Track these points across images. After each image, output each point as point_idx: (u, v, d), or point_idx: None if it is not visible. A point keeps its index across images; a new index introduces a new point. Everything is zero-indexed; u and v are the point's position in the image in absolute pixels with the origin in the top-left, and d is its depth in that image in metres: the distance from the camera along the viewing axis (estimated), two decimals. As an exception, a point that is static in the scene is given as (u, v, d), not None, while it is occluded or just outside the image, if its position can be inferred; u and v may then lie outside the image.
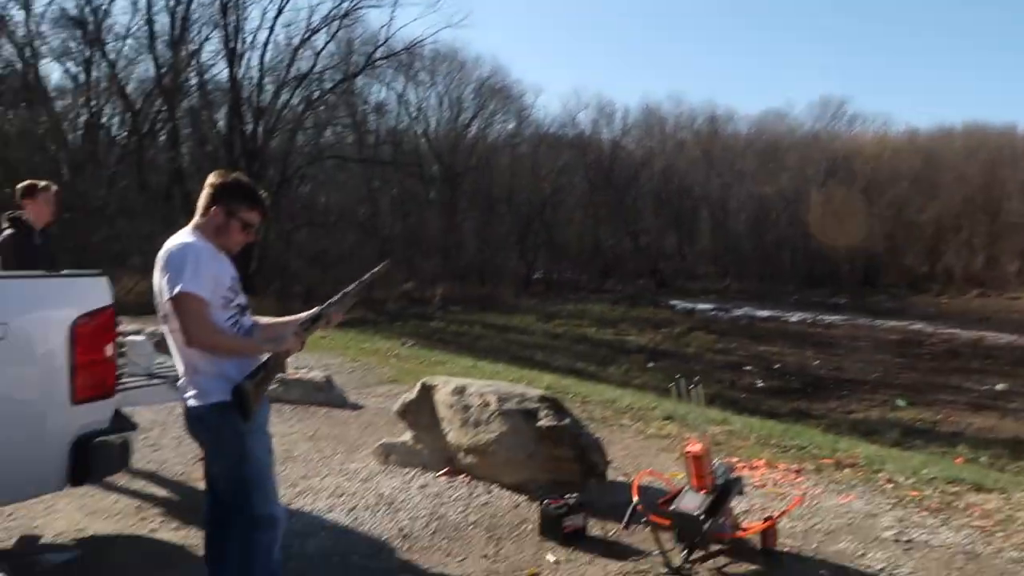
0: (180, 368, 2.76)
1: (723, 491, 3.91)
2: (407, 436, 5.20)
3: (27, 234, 4.87)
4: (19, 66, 23.31)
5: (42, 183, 5.02)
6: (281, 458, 5.28)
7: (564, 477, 4.73)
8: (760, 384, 15.65)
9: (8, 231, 4.90)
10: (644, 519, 3.81)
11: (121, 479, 4.76)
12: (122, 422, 3.38)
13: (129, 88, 25.45)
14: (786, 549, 3.98)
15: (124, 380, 3.65)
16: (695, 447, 3.90)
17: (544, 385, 8.46)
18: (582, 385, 9.19)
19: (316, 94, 27.52)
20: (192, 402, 2.70)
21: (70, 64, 24.96)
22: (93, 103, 25.04)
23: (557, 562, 3.80)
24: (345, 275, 24.79)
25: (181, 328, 2.57)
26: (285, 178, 26.37)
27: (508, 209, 34.60)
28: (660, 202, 40.65)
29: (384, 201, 32.83)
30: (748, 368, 17.20)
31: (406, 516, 4.29)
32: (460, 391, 4.97)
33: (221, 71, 26.40)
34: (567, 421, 4.76)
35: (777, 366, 17.39)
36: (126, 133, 26.30)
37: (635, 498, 4.00)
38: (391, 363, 9.73)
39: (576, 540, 4.00)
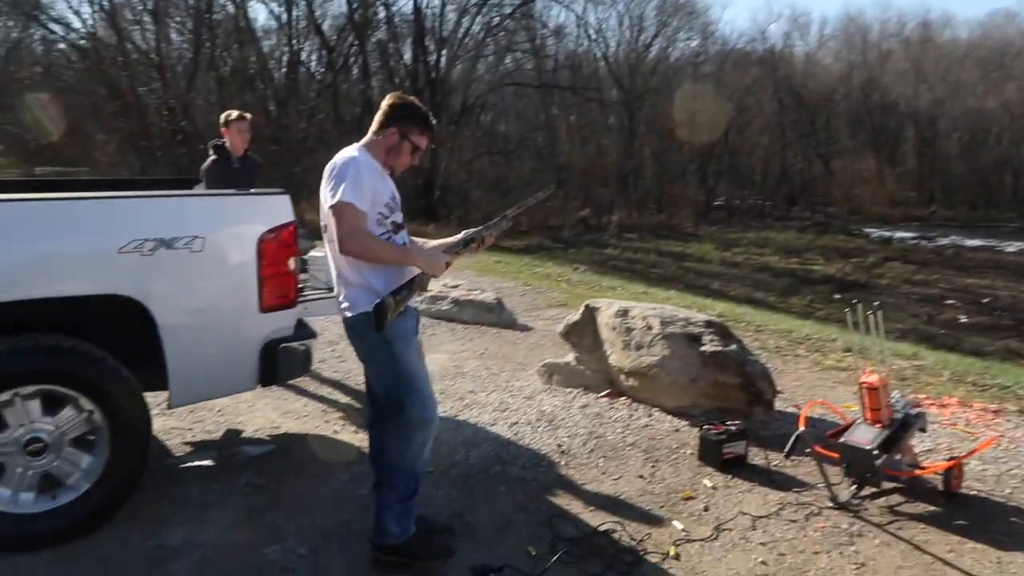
0: (333, 279, 2.93)
1: (901, 426, 3.66)
2: (570, 357, 5.26)
3: (226, 159, 5.35)
4: (231, 9, 25.20)
5: (235, 114, 5.47)
6: (452, 373, 5.56)
7: (728, 404, 4.61)
8: (964, 319, 14.26)
9: (212, 158, 5.41)
10: (808, 450, 3.63)
11: (310, 386, 5.23)
12: (304, 330, 3.66)
13: (325, 25, 26.81)
14: (973, 493, 3.67)
15: (306, 292, 3.95)
16: (871, 377, 3.64)
17: (716, 312, 8.22)
18: (758, 314, 8.83)
19: (496, 20, 27.58)
20: (344, 312, 2.86)
21: (273, 5, 26.62)
22: (294, 42, 26.66)
23: (714, 488, 3.74)
24: (521, 201, 25.29)
25: (336, 235, 2.70)
26: (466, 107, 26.90)
27: (689, 133, 33.28)
28: (857, 121, 37.32)
29: (562, 128, 32.66)
30: (950, 302, 15.70)
31: (565, 433, 4.38)
32: (623, 313, 4.94)
33: (406, 3, 27.09)
34: (733, 347, 4.60)
35: (986, 300, 15.72)
36: (323, 69, 27.82)
37: (802, 427, 3.82)
38: (561, 287, 9.83)
39: (735, 467, 3.91)
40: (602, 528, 3.28)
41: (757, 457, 4.02)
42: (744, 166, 34.65)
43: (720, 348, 4.55)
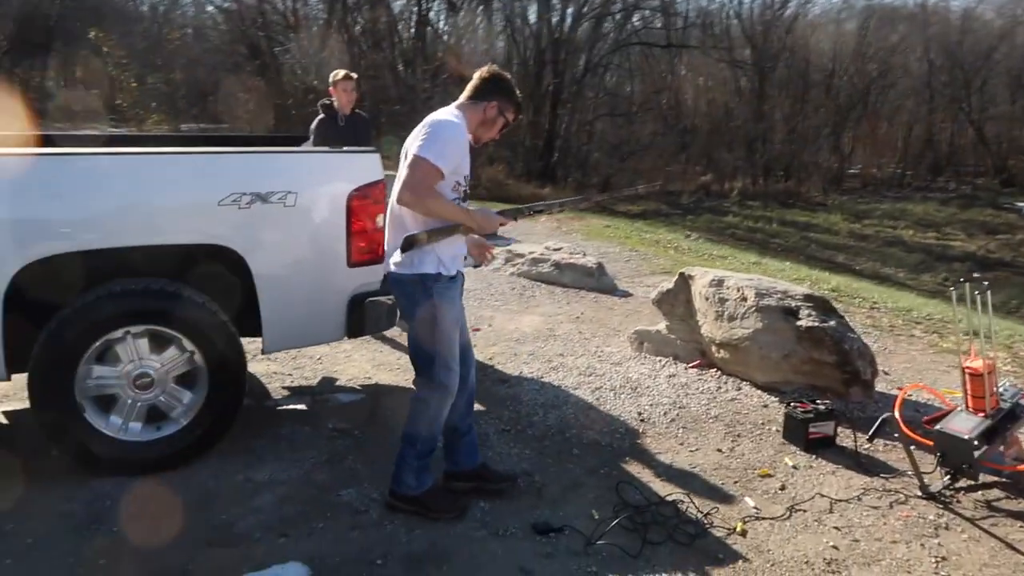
0: (388, 236, 3.02)
1: (1007, 417, 3.41)
2: (662, 325, 5.19)
3: (333, 118, 5.55)
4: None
5: (342, 73, 5.64)
6: (544, 336, 5.62)
7: (823, 383, 4.44)
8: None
9: (320, 116, 5.63)
10: (896, 435, 3.45)
11: (472, 337, 5.40)
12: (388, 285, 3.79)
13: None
14: (1084, 494, 3.39)
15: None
16: (975, 363, 3.41)
17: (830, 287, 7.88)
18: (878, 290, 8.37)
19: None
20: (392, 268, 2.93)
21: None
22: (422, 2, 27.01)
23: (795, 467, 3.62)
24: (643, 166, 24.79)
25: (403, 184, 2.76)
26: (589, 67, 26.52)
27: (825, 96, 31.46)
28: (1019, 84, 34.14)
29: (689, 89, 31.66)
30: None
31: (648, 401, 4.35)
32: (718, 283, 4.81)
33: (533, -39, 26.78)
34: (831, 323, 4.40)
35: None
36: (448, 29, 28.11)
37: (895, 412, 3.63)
38: (669, 255, 9.65)
39: (821, 448, 3.78)
40: (669, 498, 3.26)
41: (848, 440, 3.86)
42: (884, 132, 32.50)
43: (817, 323, 4.36)
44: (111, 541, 2.79)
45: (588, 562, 2.80)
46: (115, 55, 24.63)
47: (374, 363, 4.89)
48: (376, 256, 3.60)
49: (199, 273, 3.32)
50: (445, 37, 28.17)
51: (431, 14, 28.29)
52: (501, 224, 3.02)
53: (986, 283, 3.40)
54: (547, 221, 12.27)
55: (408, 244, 2.78)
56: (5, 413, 3.87)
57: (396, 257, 2.91)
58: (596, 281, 7.24)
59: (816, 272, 9.53)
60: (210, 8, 28.60)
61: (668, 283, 5.18)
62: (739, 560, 2.86)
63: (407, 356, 5.04)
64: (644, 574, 2.75)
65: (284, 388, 4.39)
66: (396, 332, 5.57)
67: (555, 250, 7.74)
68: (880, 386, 4.67)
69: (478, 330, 5.75)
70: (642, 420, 4.11)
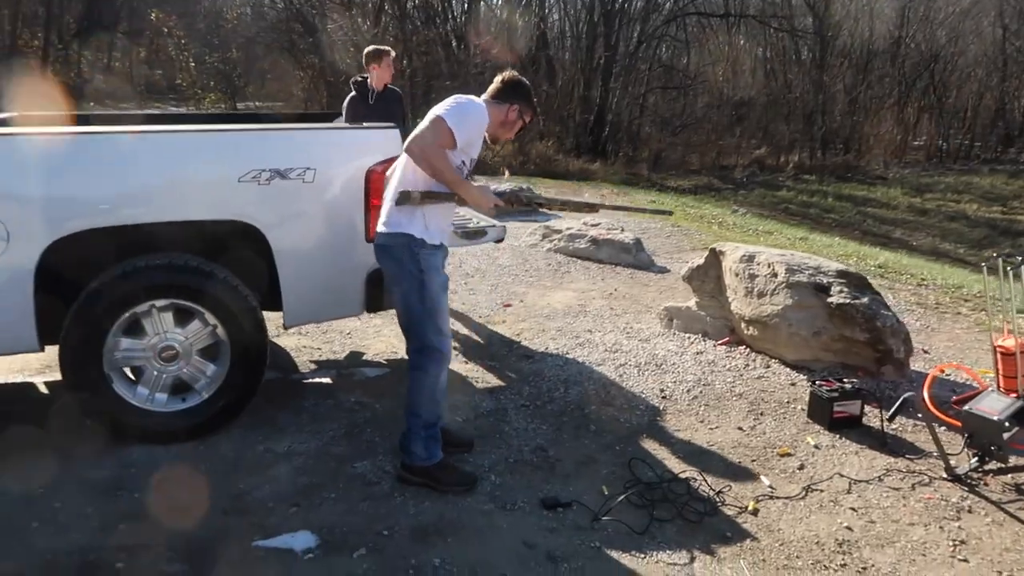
0: (384, 207, 3.07)
1: (1041, 399, 3.28)
2: (691, 302, 5.12)
3: (364, 95, 5.57)
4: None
5: (377, 49, 5.65)
6: (574, 312, 5.60)
7: (854, 361, 4.33)
8: None
9: (351, 94, 5.66)
10: (920, 415, 3.35)
11: (502, 313, 5.48)
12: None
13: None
14: (1122, 480, 3.25)
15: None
16: (1008, 341, 3.28)
17: (878, 263, 7.67)
18: (928, 266, 8.09)
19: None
20: (381, 229, 2.99)
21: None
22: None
23: (816, 447, 3.55)
24: (695, 139, 24.30)
25: (416, 136, 2.84)
26: (643, 39, 26.02)
27: (890, 66, 30.25)
28: (1103, 51, 32.24)
29: (747, 60, 30.80)
30: None
31: (671, 379, 4.31)
32: (749, 259, 4.72)
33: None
34: (864, 300, 4.28)
35: None
36: (501, 3, 27.89)
37: (924, 391, 3.53)
38: (713, 230, 9.48)
39: (846, 428, 3.69)
40: (682, 476, 3.24)
41: (875, 420, 3.76)
42: (952, 101, 31.13)
43: (848, 300, 4.24)
44: (133, 507, 2.91)
45: (593, 537, 2.80)
46: (176, 35, 25.24)
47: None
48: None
49: (221, 249, 3.40)
50: (497, 12, 27.96)
51: (485, -9, 28.18)
52: (497, 205, 3.03)
53: (1020, 258, 3.25)
54: (590, 196, 12.17)
55: (402, 198, 2.86)
56: (46, 384, 4.05)
57: (382, 219, 2.99)
58: (633, 257, 7.17)
59: (865, 248, 9.27)
60: (267, -13, 28.93)
61: (699, 259, 5.10)
62: (747, 539, 2.83)
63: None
64: (649, 551, 2.74)
65: (312, 362, 4.48)
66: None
67: (592, 226, 7.68)
68: (918, 365, 4.54)
69: (509, 305, 5.76)
70: (664, 397, 4.08)
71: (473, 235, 4.03)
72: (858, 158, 25.03)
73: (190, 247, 3.34)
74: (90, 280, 3.19)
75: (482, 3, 28.09)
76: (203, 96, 23.70)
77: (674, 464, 3.36)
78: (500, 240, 4.26)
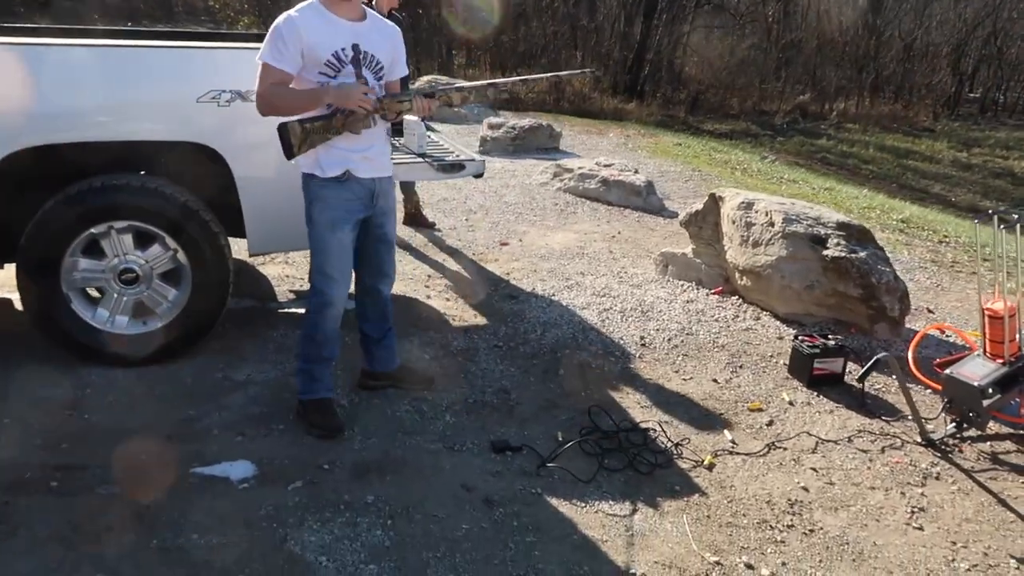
0: None
1: (1027, 366, 3.10)
2: (688, 248, 4.95)
3: None
4: None
5: None
6: (572, 254, 5.46)
7: (847, 317, 4.16)
8: None
9: None
10: (894, 376, 3.19)
11: (429, 250, 5.38)
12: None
13: None
14: (1108, 454, 3.08)
15: (394, 155, 3.95)
16: (996, 304, 3.08)
17: (901, 216, 7.36)
18: (956, 223, 7.73)
19: None
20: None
21: None
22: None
23: (791, 403, 3.43)
24: (738, 83, 23.49)
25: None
26: (688, -25, 25.00)
27: (952, 10, 28.76)
28: None
29: (800, 1, 29.52)
30: None
31: (654, 326, 4.18)
32: (747, 206, 4.51)
33: None
34: (862, 254, 4.07)
35: None
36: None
37: (909, 352, 3.37)
38: (734, 176, 9.17)
39: (826, 386, 3.55)
40: (643, 425, 3.14)
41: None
42: (1015, 52, 29.57)
43: (844, 253, 4.04)
44: (80, 427, 2.91)
45: (535, 483, 2.73)
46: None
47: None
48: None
49: (181, 171, 3.32)
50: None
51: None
52: (364, 96, 2.63)
53: (1016, 216, 3.02)
54: (615, 136, 11.86)
55: (281, 136, 2.63)
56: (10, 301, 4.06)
57: None
58: (643, 200, 6.96)
59: (894, 201, 8.91)
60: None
61: (698, 204, 4.90)
62: (696, 494, 2.74)
63: (424, 266, 5.06)
64: (591, 500, 2.67)
65: (292, 291, 4.43)
66: (422, 241, 5.56)
67: (605, 166, 7.45)
68: (919, 324, 4.34)
69: (506, 244, 5.64)
70: (642, 345, 3.96)
71: (450, 169, 3.88)
72: (907, 108, 24.03)
73: (150, 169, 3.27)
74: (47, 198, 3.14)
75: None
76: (236, 18, 23.44)
77: (637, 413, 3.26)
78: (479, 175, 4.10)
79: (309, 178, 2.78)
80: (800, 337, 3.69)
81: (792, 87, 24.33)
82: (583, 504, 2.64)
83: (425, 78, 14.07)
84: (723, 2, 27.33)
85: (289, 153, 2.66)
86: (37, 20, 23.45)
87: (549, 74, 3.21)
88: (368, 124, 2.72)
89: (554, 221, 6.39)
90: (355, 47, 2.69)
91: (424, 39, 21.39)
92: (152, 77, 3.18)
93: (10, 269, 3.33)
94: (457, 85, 2.89)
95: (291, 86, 2.67)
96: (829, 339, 3.64)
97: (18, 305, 3.99)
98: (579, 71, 3.33)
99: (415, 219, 5.88)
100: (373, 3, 5.43)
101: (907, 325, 4.26)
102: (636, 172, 7.43)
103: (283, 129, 2.62)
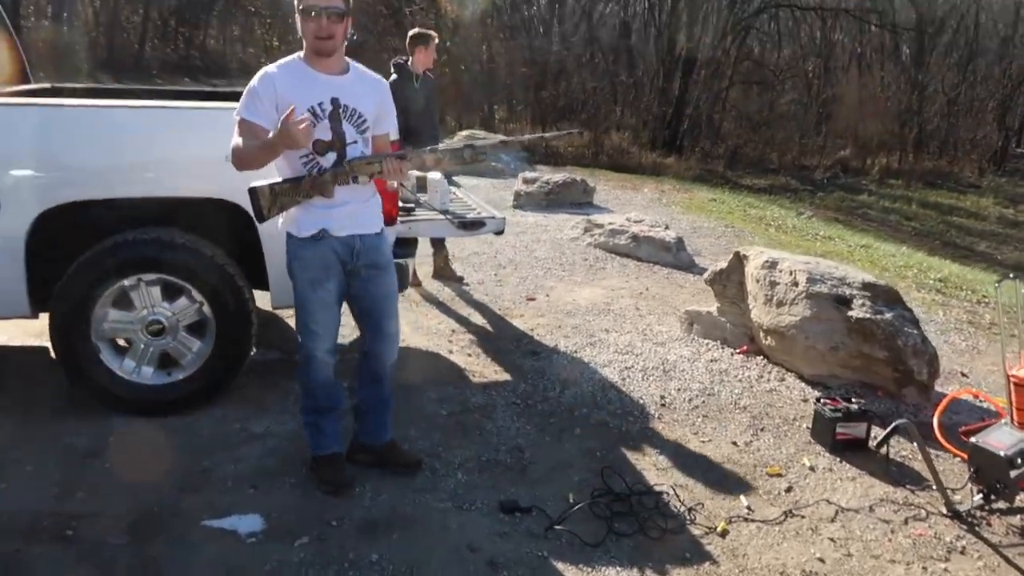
0: None
1: (1059, 437, 2.99)
2: (713, 307, 4.91)
3: (406, 78, 5.51)
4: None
5: (422, 32, 5.58)
6: (597, 310, 5.47)
7: (873, 380, 4.07)
8: None
9: (393, 76, 5.62)
10: (915, 443, 3.10)
11: (455, 304, 5.43)
12: (404, 249, 3.77)
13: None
14: None
15: (416, 212, 4.05)
16: (1022, 371, 3.00)
17: (939, 276, 7.23)
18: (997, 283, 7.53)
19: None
20: None
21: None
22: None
23: (811, 469, 3.34)
24: (778, 137, 23.47)
25: None
26: (728, 31, 25.26)
27: (997, 65, 28.49)
28: None
29: (841, 56, 29.55)
30: None
31: (676, 385, 4.14)
32: (771, 265, 4.48)
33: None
34: (887, 315, 4.00)
35: None
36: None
37: (935, 418, 3.28)
38: (768, 233, 9.11)
39: (849, 451, 3.46)
40: (656, 488, 3.10)
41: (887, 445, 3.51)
42: (1064, 108, 29.09)
43: (869, 315, 3.98)
44: (98, 475, 2.97)
45: (542, 546, 2.70)
46: (262, 15, 25.93)
47: (414, 325, 4.92)
48: (388, 218, 3.55)
49: (209, 226, 3.43)
50: (581, 1, 27.58)
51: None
52: (300, 128, 2.47)
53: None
54: (649, 192, 11.91)
55: (252, 198, 2.66)
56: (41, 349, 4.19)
57: None
58: (673, 256, 6.95)
59: (933, 259, 8.75)
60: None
61: (723, 262, 4.88)
62: (706, 562, 2.68)
63: (450, 320, 5.10)
64: (597, 565, 2.62)
65: (316, 344, 4.49)
66: (450, 295, 5.61)
67: (635, 222, 7.48)
68: (952, 388, 4.23)
69: (533, 299, 5.67)
70: (662, 404, 3.92)
71: (470, 226, 3.94)
72: (952, 163, 23.73)
73: (179, 223, 3.38)
74: (82, 250, 3.27)
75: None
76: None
77: (652, 476, 3.22)
78: (500, 232, 4.16)
79: (288, 236, 2.80)
80: (822, 400, 3.62)
81: (833, 142, 24.23)
82: (589, 569, 2.60)
83: (463, 133, 14.35)
84: (762, 58, 27.57)
85: (259, 216, 2.68)
86: (99, 76, 24.64)
87: (533, 135, 3.21)
88: (343, 183, 2.68)
89: (582, 276, 6.41)
90: (334, 101, 2.66)
91: (466, 94, 21.85)
92: (182, 137, 3.32)
93: (44, 318, 3.45)
94: (430, 148, 2.85)
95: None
96: (852, 403, 3.56)
97: (52, 353, 4.13)
98: (566, 132, 3.26)
99: (443, 273, 5.94)
100: (408, 63, 5.61)
101: (938, 388, 4.16)
102: (666, 228, 7.44)
103: (252, 192, 2.65)
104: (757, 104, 24.89)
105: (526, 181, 9.84)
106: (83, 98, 4.24)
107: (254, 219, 2.74)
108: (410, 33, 5.71)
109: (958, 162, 23.83)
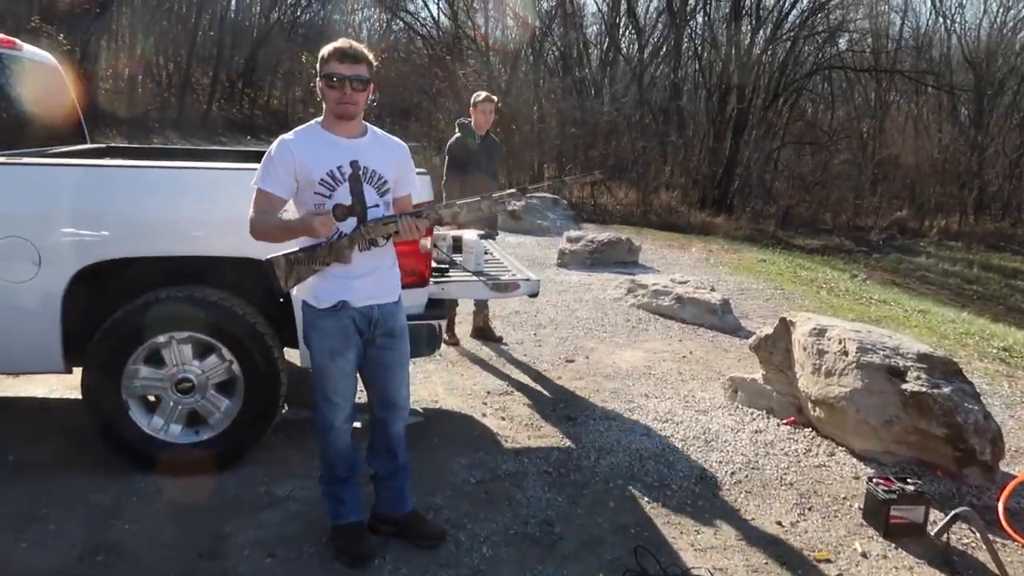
0: None
1: None
2: (758, 374, 4.72)
3: (468, 136, 5.57)
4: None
5: (484, 95, 5.65)
6: (639, 374, 5.31)
7: (931, 458, 3.83)
8: None
9: (456, 136, 5.69)
10: (976, 532, 2.86)
11: (496, 362, 5.34)
12: (435, 311, 3.71)
13: (645, 10, 26.96)
14: None
15: (451, 273, 3.99)
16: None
17: (1003, 344, 6.89)
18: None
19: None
20: None
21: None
22: (613, 28, 27.09)
23: (864, 555, 3.11)
24: (831, 198, 23.11)
25: None
26: (780, 92, 25.19)
27: (1060, 127, 27.77)
28: None
29: (897, 117, 29.19)
30: None
31: (718, 458, 3.95)
32: (819, 332, 4.29)
33: (724, -20, 25.96)
34: (945, 389, 3.77)
35: None
36: (636, 54, 27.88)
37: (1000, 503, 3.03)
38: (819, 296, 8.84)
39: (906, 536, 3.22)
40: (693, 571, 2.91)
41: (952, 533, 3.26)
42: None
43: (924, 389, 3.76)
44: (119, 537, 2.92)
45: (568, 632, 2.54)
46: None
47: (447, 386, 4.83)
48: (421, 279, 3.54)
49: (241, 285, 3.42)
50: (632, 63, 27.92)
51: (621, 41, 28.33)
52: (323, 222, 2.53)
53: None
54: (697, 251, 11.74)
55: (268, 270, 2.60)
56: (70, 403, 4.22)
57: None
58: (718, 319, 6.77)
59: (997, 326, 8.36)
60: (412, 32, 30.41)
61: (768, 328, 4.71)
62: (745, 657, 2.48)
63: (486, 381, 5.00)
64: (626, 656, 2.45)
65: (349, 403, 4.43)
66: (488, 355, 5.52)
67: (680, 283, 7.34)
68: (1021, 469, 3.95)
69: (572, 361, 5.55)
70: (703, 478, 3.73)
71: (504, 288, 3.87)
72: (1015, 226, 23.01)
73: (212, 281, 3.39)
74: (116, 307, 3.29)
75: (621, 55, 28.26)
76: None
77: (689, 557, 3.03)
78: (534, 295, 4.08)
79: (304, 305, 2.75)
80: (875, 479, 3.39)
81: (889, 203, 23.78)
82: (618, 660, 2.42)
83: (509, 191, 14.43)
84: (815, 119, 27.37)
85: (278, 290, 2.63)
86: (169, 135, 25.66)
87: (552, 180, 3.06)
88: (361, 248, 2.62)
89: (624, 338, 6.26)
90: (353, 164, 2.62)
91: (516, 153, 22.10)
92: (214, 196, 3.33)
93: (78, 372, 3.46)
94: (445, 203, 2.79)
95: (288, 210, 2.66)
96: (908, 483, 3.33)
97: (68, 408, 4.16)
98: (587, 175, 3.12)
99: (483, 333, 5.87)
100: (471, 123, 5.63)
101: (1004, 469, 3.88)
102: (712, 290, 7.27)
103: (268, 264, 2.59)
104: (810, 164, 24.62)
105: (570, 240, 9.80)
106: (136, 158, 4.38)
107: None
108: (473, 96, 5.77)
109: (1021, 224, 23.07)
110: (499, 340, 5.86)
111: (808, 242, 18.76)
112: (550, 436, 4.12)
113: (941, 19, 30.24)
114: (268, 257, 2.61)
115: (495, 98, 5.78)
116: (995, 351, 6.69)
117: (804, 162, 24.53)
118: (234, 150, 5.32)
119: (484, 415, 4.39)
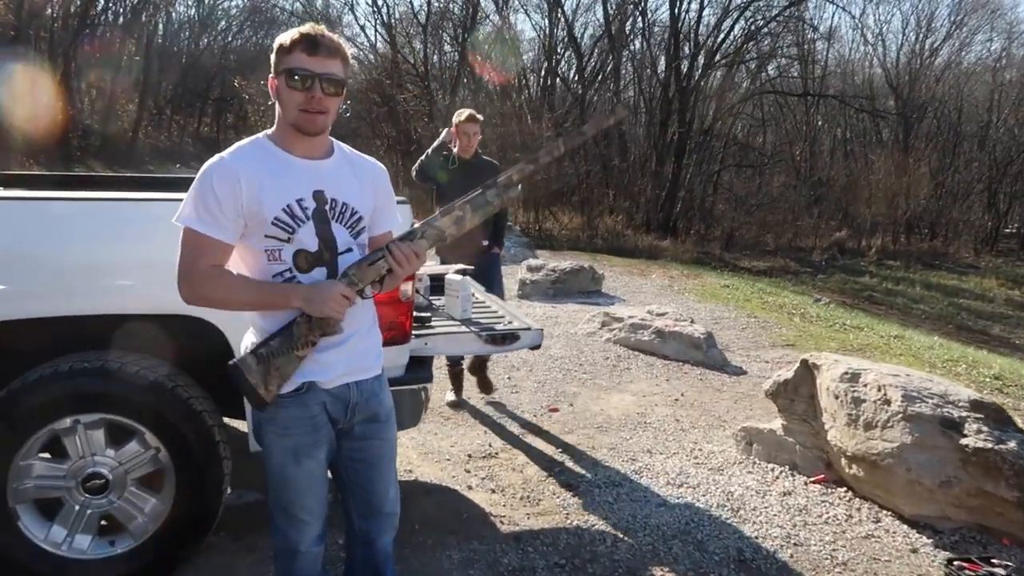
0: None
1: None
2: (776, 424, 4.16)
3: (450, 162, 4.83)
4: (496, 20, 26.03)
5: (466, 114, 4.88)
6: (633, 423, 4.72)
7: (998, 524, 3.30)
8: None
9: (420, 159, 4.96)
10: None
11: (470, 420, 4.65)
12: (420, 372, 3.01)
13: (585, 35, 26.94)
14: None
15: (432, 323, 3.29)
16: None
17: (991, 373, 6.52)
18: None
19: (760, 23, 25.61)
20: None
21: (536, 17, 27.09)
22: (552, 54, 26.92)
23: (962, 662, 2.54)
24: (772, 219, 23.22)
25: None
26: (718, 116, 25.35)
27: (979, 150, 28.82)
28: None
29: (826, 141, 29.84)
30: None
31: (753, 531, 3.34)
32: (852, 377, 3.76)
33: (664, 12, 26.17)
34: (1010, 444, 3.27)
35: None
36: (576, 79, 27.76)
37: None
38: (794, 323, 8.44)
39: (1001, 632, 2.67)
40: None
41: (1038, 618, 2.73)
42: (1050, 189, 29.25)
43: (988, 445, 3.24)
44: None
45: None
46: (256, 102, 25.83)
47: (422, 451, 4.12)
48: (401, 333, 2.85)
49: (171, 349, 2.67)
50: (572, 88, 27.81)
51: (559, 66, 28.19)
52: (344, 298, 1.85)
53: None
54: (658, 278, 11.30)
55: (237, 379, 1.86)
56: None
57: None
58: (703, 354, 6.23)
59: (971, 351, 8.08)
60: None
61: (787, 371, 4.15)
62: None
63: (465, 441, 4.30)
64: None
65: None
66: (466, 416, 4.80)
67: (658, 315, 6.79)
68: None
69: (556, 410, 4.91)
70: (741, 561, 3.11)
71: (501, 340, 3.19)
72: (946, 244, 23.54)
73: (134, 347, 2.62)
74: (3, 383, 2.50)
75: (558, 79, 28.07)
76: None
77: None
78: (537, 346, 3.41)
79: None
80: (955, 562, 2.84)
81: (827, 223, 24.01)
82: None
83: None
84: (749, 142, 27.70)
85: (259, 403, 1.87)
86: (91, 164, 24.14)
87: (571, 131, 2.26)
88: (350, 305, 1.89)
89: (607, 380, 5.66)
90: (318, 195, 1.89)
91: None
92: (137, 235, 2.58)
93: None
94: (441, 210, 1.97)
95: (233, 259, 1.89)
96: (996, 566, 2.79)
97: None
98: (609, 114, 2.22)
99: (484, 383, 5.10)
100: (451, 145, 4.89)
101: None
102: (692, 322, 6.75)
103: (236, 373, 1.84)
104: (749, 187, 24.79)
105: (531, 269, 9.21)
106: (42, 188, 3.58)
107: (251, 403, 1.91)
108: (455, 115, 5.01)
109: (951, 243, 23.62)
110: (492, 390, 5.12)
111: (755, 264, 18.67)
112: (552, 513, 3.45)
113: (863, 46, 31.04)
114: (233, 361, 1.87)
115: (479, 116, 5.01)
116: (988, 380, 6.33)
117: (744, 185, 24.68)
118: (155, 177, 4.50)
119: (470, 487, 3.69)
